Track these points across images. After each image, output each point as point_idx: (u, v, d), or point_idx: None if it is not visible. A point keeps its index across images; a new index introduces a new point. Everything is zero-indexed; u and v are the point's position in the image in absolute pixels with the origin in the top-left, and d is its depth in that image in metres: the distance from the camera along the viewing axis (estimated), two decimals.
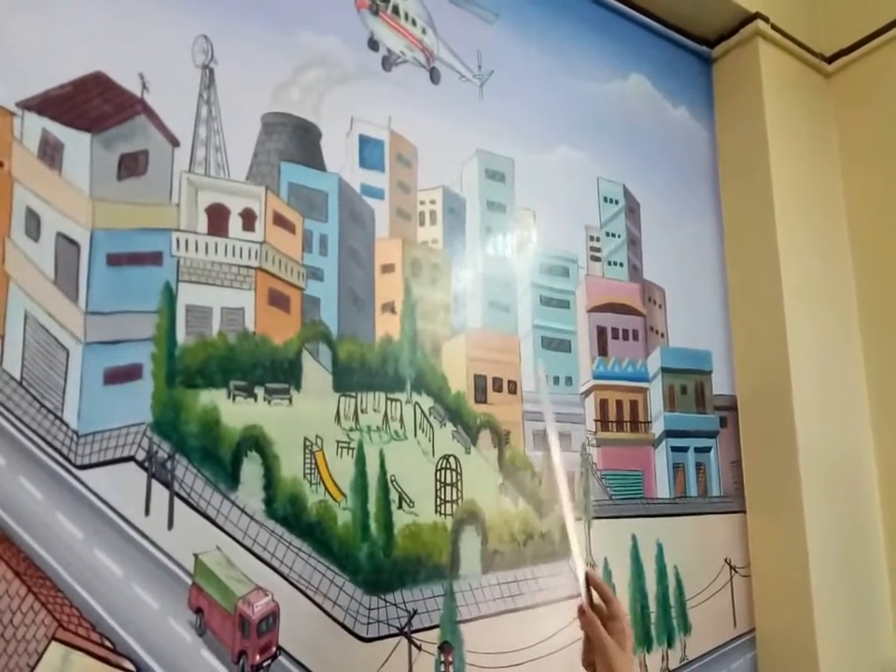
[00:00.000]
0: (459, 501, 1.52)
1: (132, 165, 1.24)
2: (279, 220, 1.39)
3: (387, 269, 1.52)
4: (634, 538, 1.82)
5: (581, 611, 1.14)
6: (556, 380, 1.78)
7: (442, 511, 1.49)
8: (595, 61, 2.03)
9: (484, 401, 1.61)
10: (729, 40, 2.27)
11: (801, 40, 2.29)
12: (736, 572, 2.06)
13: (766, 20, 2.19)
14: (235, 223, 1.34)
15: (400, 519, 1.42)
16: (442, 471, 1.51)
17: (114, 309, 1.18)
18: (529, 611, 1.57)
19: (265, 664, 1.21)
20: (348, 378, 1.42)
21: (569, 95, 1.95)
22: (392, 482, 1.42)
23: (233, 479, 1.25)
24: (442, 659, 1.42)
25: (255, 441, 1.28)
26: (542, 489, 1.65)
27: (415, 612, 1.41)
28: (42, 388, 1.11)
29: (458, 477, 1.53)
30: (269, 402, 1.31)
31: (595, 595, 1.17)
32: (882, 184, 2.22)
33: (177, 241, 1.26)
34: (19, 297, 1.12)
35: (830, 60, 2.35)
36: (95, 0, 1.23)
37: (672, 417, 2.02)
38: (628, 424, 1.91)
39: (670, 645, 1.85)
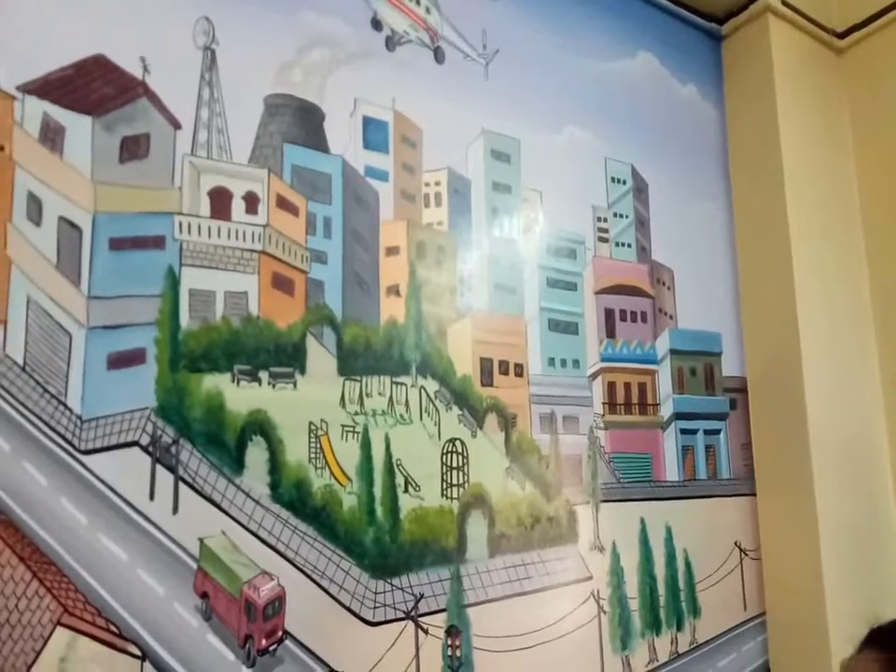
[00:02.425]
0: (466, 485, 1.51)
1: (133, 148, 1.23)
2: (282, 203, 1.38)
3: (392, 251, 1.51)
4: (642, 521, 1.81)
5: None
6: (564, 363, 1.77)
7: (449, 495, 1.48)
8: (601, 39, 2.00)
9: (491, 384, 1.60)
10: (738, 16, 2.24)
11: (812, 16, 2.25)
12: (747, 555, 2.05)
13: None
14: (238, 206, 1.33)
15: (406, 503, 1.42)
16: (449, 455, 1.50)
17: (117, 293, 1.18)
18: (536, 595, 1.57)
19: (271, 648, 1.21)
20: (353, 362, 1.41)
21: (576, 74, 1.93)
22: (398, 465, 1.42)
23: (238, 463, 1.25)
24: (449, 643, 1.42)
25: (260, 426, 1.27)
26: (549, 472, 1.65)
27: (422, 596, 1.40)
28: (45, 373, 1.11)
29: (465, 460, 1.52)
30: (273, 387, 1.31)
31: None
32: (894, 161, 2.19)
33: (180, 224, 1.26)
34: (21, 281, 1.12)
35: (841, 35, 2.31)
36: None
37: (681, 400, 2.00)
38: (636, 406, 1.90)
39: (680, 628, 1.84)
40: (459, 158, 1.66)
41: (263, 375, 1.30)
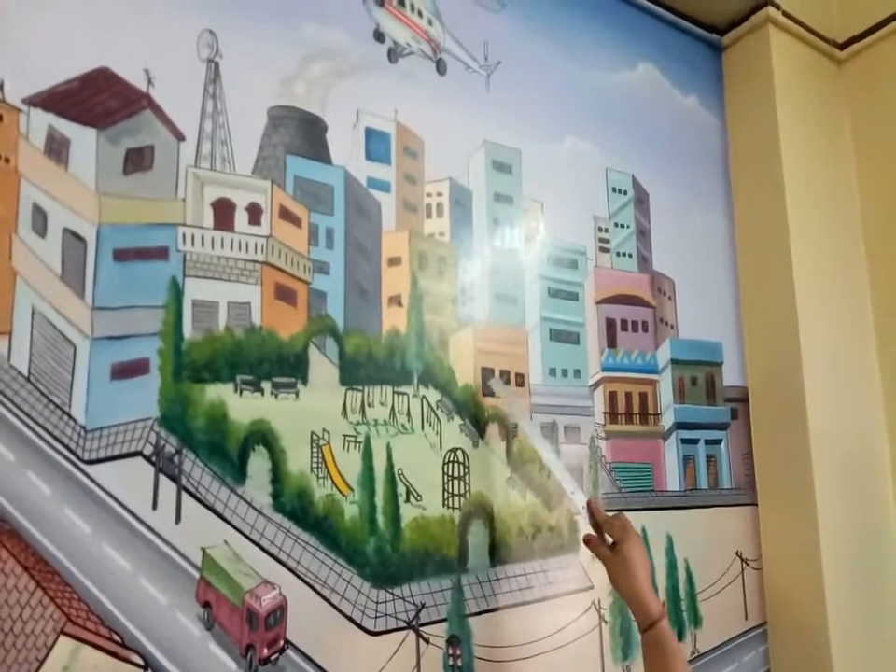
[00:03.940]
0: (467, 494, 1.52)
1: (138, 160, 1.24)
2: (285, 214, 1.38)
3: (394, 262, 1.52)
4: (643, 530, 1.81)
5: (587, 540, 1.35)
6: (565, 372, 1.77)
7: (450, 505, 1.49)
8: (603, 50, 2.01)
9: (492, 394, 1.61)
10: (739, 27, 2.25)
11: (812, 27, 2.26)
12: (748, 565, 2.05)
13: (777, 6, 2.17)
14: (241, 217, 1.34)
15: (408, 512, 1.42)
16: (450, 464, 1.51)
17: (121, 304, 1.18)
18: (538, 605, 1.57)
19: (273, 657, 1.22)
20: (355, 372, 1.42)
21: (577, 85, 1.94)
22: (399, 475, 1.42)
23: (241, 473, 1.25)
24: (450, 652, 1.42)
25: (262, 436, 1.28)
26: (550, 482, 1.65)
27: (423, 606, 1.41)
28: (49, 384, 1.12)
29: (466, 470, 1.53)
30: (276, 396, 1.31)
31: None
32: (894, 172, 2.19)
33: (183, 235, 1.26)
34: (26, 293, 1.12)
35: (842, 46, 2.32)
36: None
37: (682, 409, 2.01)
38: (638, 416, 1.90)
39: (681, 638, 1.84)
40: (461, 169, 1.67)
41: (266, 385, 1.31)
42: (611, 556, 1.29)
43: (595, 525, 1.36)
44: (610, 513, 1.36)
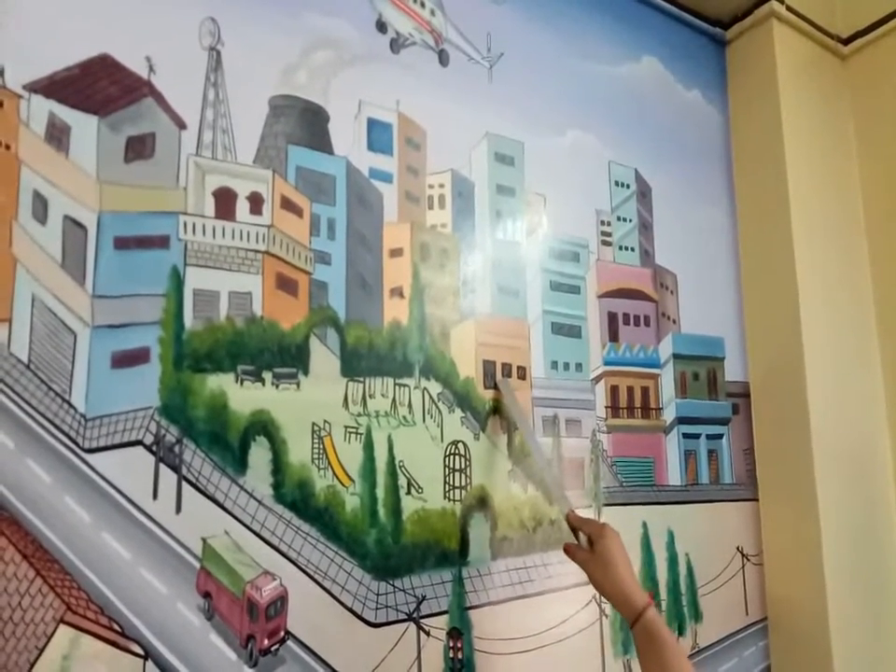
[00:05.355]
0: (468, 487, 1.51)
1: (139, 148, 1.23)
2: (287, 204, 1.38)
3: (396, 253, 1.51)
4: (644, 525, 1.81)
5: (565, 549, 1.35)
6: (566, 366, 1.77)
7: (451, 497, 1.48)
8: (606, 43, 2.00)
9: (494, 387, 1.60)
10: (743, 21, 2.24)
11: (816, 21, 2.25)
12: (749, 560, 2.05)
13: (781, 1, 2.16)
14: (243, 207, 1.33)
15: (409, 505, 1.42)
16: (451, 457, 1.50)
17: (121, 292, 1.18)
18: (538, 598, 1.56)
19: (273, 648, 1.21)
20: (356, 363, 1.41)
21: (580, 78, 1.93)
22: (400, 467, 1.42)
23: (241, 463, 1.24)
24: (451, 645, 1.42)
25: (263, 426, 1.27)
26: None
27: (424, 598, 1.40)
28: (50, 372, 1.11)
29: (467, 463, 1.52)
30: (277, 387, 1.31)
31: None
32: None
33: (185, 224, 1.26)
34: (26, 280, 1.12)
35: (846, 41, 2.32)
36: None
37: (684, 404, 2.00)
38: (639, 410, 1.90)
39: (681, 633, 1.84)
40: (463, 160, 1.66)
41: (267, 376, 1.30)
42: (589, 557, 1.29)
43: (575, 532, 1.37)
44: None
